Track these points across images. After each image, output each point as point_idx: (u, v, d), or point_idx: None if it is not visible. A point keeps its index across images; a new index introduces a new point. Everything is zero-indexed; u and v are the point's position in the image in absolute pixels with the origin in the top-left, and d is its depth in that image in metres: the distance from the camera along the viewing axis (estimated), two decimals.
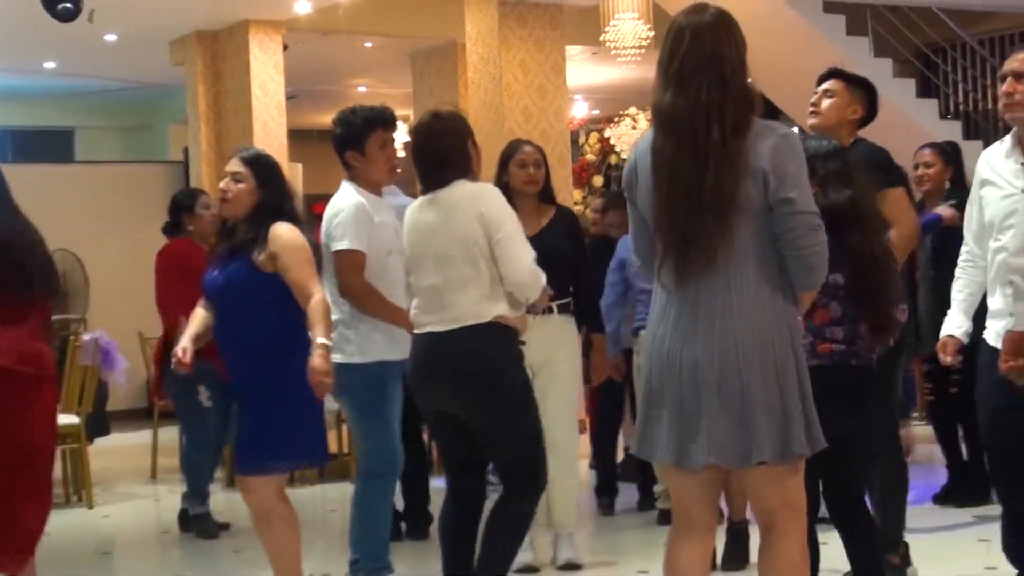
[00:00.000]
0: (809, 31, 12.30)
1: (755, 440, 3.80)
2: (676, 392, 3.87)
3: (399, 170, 5.93)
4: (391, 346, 5.71)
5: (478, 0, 11.68)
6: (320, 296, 5.21)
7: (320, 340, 5.05)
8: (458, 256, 5.10)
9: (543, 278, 5.19)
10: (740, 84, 3.88)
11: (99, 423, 10.19)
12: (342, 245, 5.67)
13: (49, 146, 19.28)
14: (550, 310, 6.29)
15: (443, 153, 5.20)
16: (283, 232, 5.30)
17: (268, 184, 5.40)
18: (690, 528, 4.03)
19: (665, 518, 7.53)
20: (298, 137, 14.14)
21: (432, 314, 5.17)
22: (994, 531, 5.09)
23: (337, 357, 5.60)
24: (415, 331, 5.26)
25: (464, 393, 5.09)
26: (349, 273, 5.67)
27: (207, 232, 7.89)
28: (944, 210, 7.28)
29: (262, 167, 5.44)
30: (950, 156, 7.70)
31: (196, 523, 7.88)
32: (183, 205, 8.24)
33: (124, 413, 13.40)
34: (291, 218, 5.36)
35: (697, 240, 3.82)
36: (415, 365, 5.25)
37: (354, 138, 5.79)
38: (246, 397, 5.35)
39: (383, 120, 5.85)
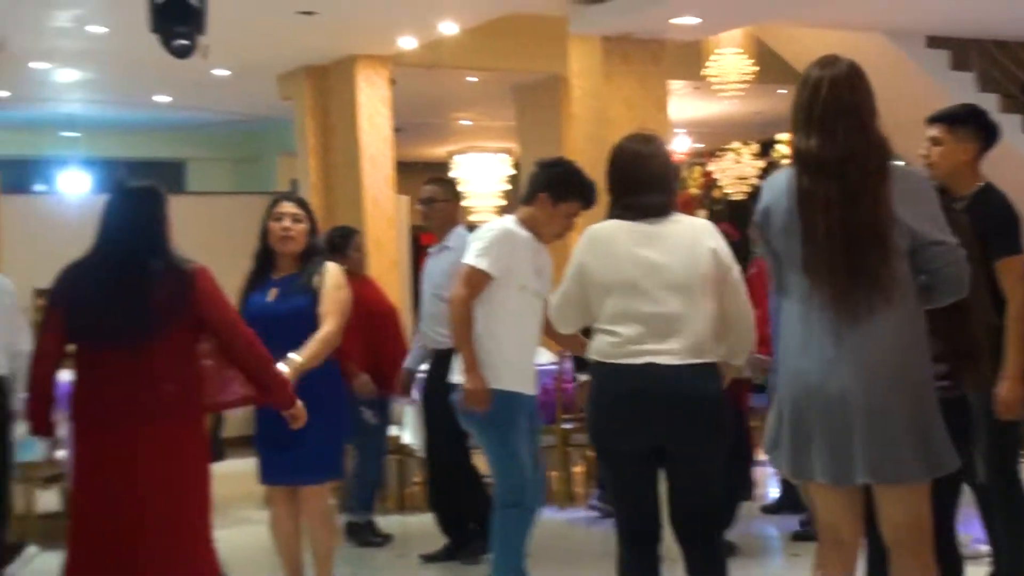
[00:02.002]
0: (913, 67, 12.31)
1: (905, 459, 4.07)
2: (825, 419, 4.11)
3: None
4: (520, 379, 5.87)
5: (582, 36, 11.80)
6: (330, 329, 5.89)
7: (292, 356, 5.72)
8: (692, 287, 4.83)
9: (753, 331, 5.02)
10: (877, 130, 4.14)
11: (214, 449, 10.39)
12: (473, 261, 5.84)
13: (161, 177, 19.44)
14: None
15: (655, 178, 4.98)
16: (334, 269, 6.04)
17: (313, 225, 6.08)
18: (839, 544, 4.27)
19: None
20: (403, 169, 14.33)
21: (652, 345, 4.81)
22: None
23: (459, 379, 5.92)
24: (624, 360, 4.83)
25: (683, 428, 4.81)
26: (463, 285, 5.84)
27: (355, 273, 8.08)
28: None
29: (309, 210, 6.12)
30: None
31: (359, 531, 8.40)
32: (335, 244, 8.32)
33: (238, 440, 13.62)
34: (323, 254, 6.20)
35: (861, 279, 4.04)
36: (626, 395, 4.83)
37: (562, 191, 5.94)
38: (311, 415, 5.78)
39: (589, 199, 6.02)
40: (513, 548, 5.97)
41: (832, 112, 4.09)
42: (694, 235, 4.88)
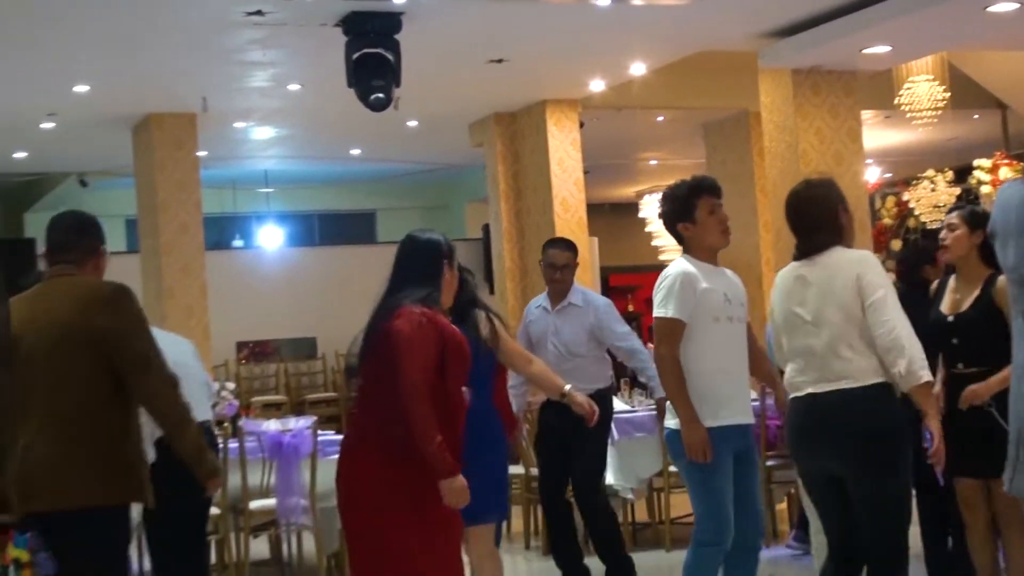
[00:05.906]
0: None
1: None
2: None
3: (730, 234, 6.02)
4: (736, 410, 5.78)
5: (772, 70, 11.72)
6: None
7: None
8: (836, 319, 5.13)
9: (916, 353, 5.01)
10: None
11: None
12: (660, 312, 5.80)
13: (353, 228, 20.11)
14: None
15: (815, 220, 5.28)
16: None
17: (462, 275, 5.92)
18: None
19: None
20: (592, 211, 14.38)
21: (811, 375, 5.19)
22: None
23: (671, 424, 5.85)
24: (793, 394, 5.29)
25: (847, 454, 5.07)
26: (661, 341, 5.78)
27: None
28: None
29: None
30: None
31: None
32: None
33: None
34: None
35: None
36: (796, 427, 5.28)
37: (682, 210, 5.89)
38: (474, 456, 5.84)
39: (707, 187, 5.93)
40: None
41: None
42: (837, 268, 5.16)
